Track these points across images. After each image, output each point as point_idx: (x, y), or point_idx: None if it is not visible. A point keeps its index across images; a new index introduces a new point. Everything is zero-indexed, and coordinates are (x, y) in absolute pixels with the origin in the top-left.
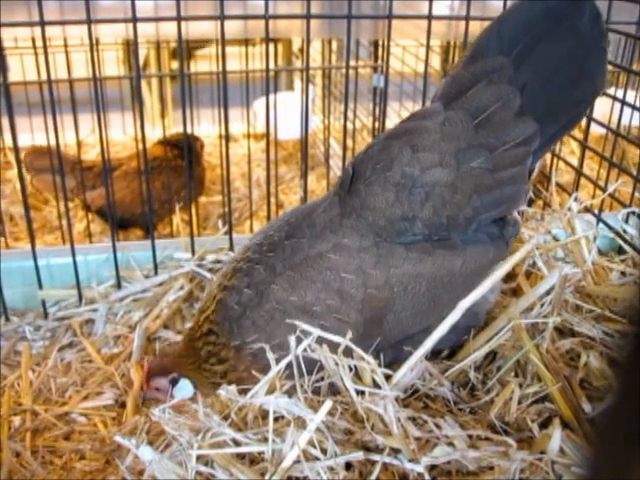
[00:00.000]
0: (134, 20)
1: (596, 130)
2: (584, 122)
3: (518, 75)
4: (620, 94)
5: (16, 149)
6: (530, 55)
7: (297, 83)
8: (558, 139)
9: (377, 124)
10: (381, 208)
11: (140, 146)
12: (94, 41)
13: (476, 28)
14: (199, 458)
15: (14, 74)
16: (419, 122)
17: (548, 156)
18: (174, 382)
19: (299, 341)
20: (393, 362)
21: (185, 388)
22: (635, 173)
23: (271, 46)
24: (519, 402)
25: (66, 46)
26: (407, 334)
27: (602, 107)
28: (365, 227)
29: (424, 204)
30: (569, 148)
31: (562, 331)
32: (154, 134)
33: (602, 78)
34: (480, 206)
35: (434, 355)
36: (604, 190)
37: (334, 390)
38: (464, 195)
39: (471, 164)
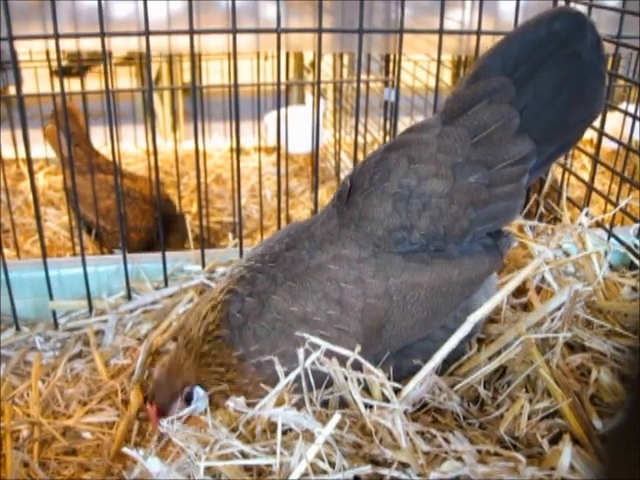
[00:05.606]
0: (147, 33)
1: (608, 145)
2: (596, 137)
3: (519, 96)
4: (632, 109)
5: (29, 161)
6: (532, 77)
7: (308, 97)
8: (555, 159)
9: (388, 138)
10: (379, 218)
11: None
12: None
13: (487, 43)
14: (207, 470)
15: (28, 87)
16: (416, 135)
17: (559, 171)
18: (190, 396)
19: (307, 354)
20: (395, 372)
21: (201, 396)
22: None
23: (283, 60)
24: (529, 417)
25: (80, 60)
26: (407, 343)
27: (614, 122)
28: (363, 237)
29: (421, 214)
30: (580, 163)
31: (573, 346)
32: (166, 146)
33: (600, 102)
34: (476, 218)
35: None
36: (615, 205)
37: (342, 403)
38: (460, 207)
39: (469, 179)
